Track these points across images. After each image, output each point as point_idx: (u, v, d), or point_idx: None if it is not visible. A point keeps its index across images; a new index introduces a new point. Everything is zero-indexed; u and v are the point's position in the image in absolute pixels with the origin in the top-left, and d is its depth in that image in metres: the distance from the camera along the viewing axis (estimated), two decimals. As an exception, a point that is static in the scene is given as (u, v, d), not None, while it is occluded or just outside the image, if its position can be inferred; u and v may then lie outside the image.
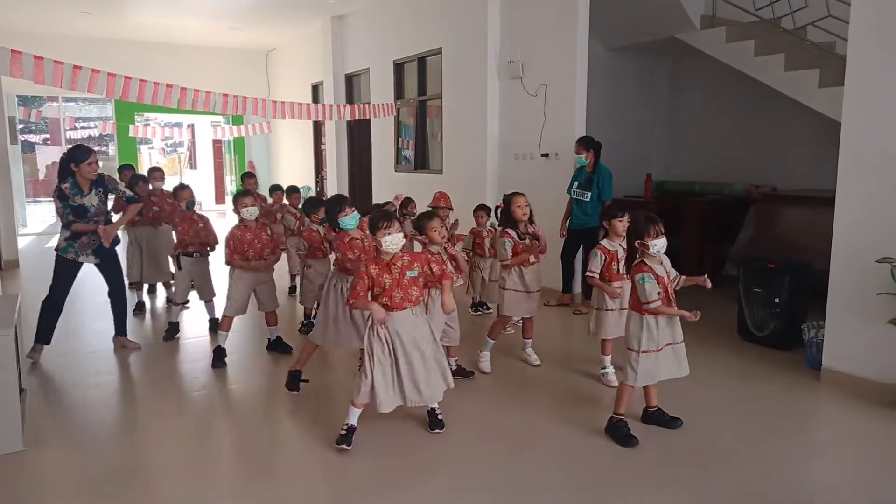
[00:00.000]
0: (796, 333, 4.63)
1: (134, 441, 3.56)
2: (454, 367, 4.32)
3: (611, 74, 7.84)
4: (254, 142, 14.53)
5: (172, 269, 6.00)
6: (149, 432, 3.66)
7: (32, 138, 17.20)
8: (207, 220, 5.40)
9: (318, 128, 12.26)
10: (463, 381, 4.29)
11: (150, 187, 6.29)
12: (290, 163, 13.70)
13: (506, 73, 7.14)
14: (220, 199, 17.25)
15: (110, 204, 5.05)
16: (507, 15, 7.12)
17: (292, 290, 6.81)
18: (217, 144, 17.33)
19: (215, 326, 5.15)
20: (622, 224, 4.06)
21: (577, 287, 6.38)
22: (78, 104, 16.49)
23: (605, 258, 4.09)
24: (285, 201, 6.82)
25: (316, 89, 12.05)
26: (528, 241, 4.36)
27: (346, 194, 11.03)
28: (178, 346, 5.24)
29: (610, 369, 4.25)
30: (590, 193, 5.87)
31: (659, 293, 3.28)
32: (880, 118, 3.81)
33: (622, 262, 4.09)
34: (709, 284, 3.38)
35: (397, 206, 5.53)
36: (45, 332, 4.72)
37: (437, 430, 3.51)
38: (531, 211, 4.46)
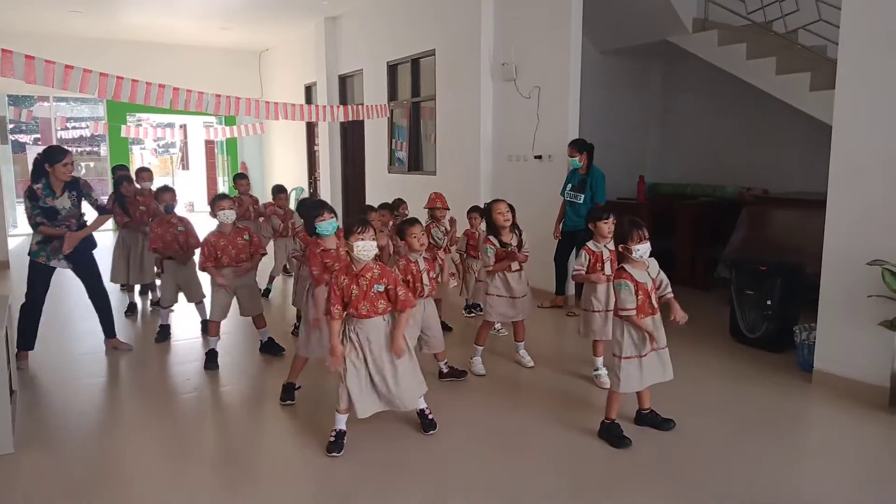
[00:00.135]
0: (788, 335, 4.65)
1: (124, 444, 3.53)
2: (445, 370, 4.31)
3: (604, 77, 7.87)
4: (246, 143, 14.48)
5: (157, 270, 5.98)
6: (139, 435, 3.63)
7: (23, 138, 17.07)
8: (188, 223, 5.35)
9: (311, 129, 12.23)
10: (457, 383, 4.29)
11: (139, 187, 6.25)
12: (283, 164, 13.67)
13: (499, 75, 7.15)
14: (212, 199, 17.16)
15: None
16: (501, 17, 7.13)
17: (266, 293, 6.75)
18: (209, 145, 17.26)
19: (207, 328, 5.12)
20: (607, 226, 4.10)
21: (571, 289, 6.39)
22: (69, 104, 16.39)
23: (590, 259, 4.12)
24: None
25: (309, 90, 12.03)
26: (509, 248, 4.33)
27: (340, 195, 11.03)
28: (169, 347, 5.21)
29: (602, 371, 4.25)
30: (583, 195, 5.88)
31: (640, 300, 3.26)
32: (871, 121, 3.84)
33: (608, 264, 4.10)
34: (682, 321, 3.35)
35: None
36: (27, 338, 4.63)
37: (430, 432, 3.51)
38: (514, 216, 4.45)
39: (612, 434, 3.38)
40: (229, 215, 4.60)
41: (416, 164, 9.07)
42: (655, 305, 3.35)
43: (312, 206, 3.98)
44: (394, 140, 9.56)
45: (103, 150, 16.05)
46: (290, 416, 3.84)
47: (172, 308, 5.52)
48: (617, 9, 7.07)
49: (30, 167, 4.67)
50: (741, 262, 5.26)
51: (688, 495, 2.90)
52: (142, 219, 6.08)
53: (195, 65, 12.99)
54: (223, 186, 15.68)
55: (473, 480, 3.07)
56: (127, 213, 6.07)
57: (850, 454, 3.35)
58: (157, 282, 6.08)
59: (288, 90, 12.67)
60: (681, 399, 3.92)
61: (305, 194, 12.06)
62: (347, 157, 11.00)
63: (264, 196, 8.25)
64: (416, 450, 3.37)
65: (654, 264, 3.41)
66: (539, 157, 6.75)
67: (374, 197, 9.35)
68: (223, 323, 4.86)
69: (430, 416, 3.55)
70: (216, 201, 4.65)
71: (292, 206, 7.69)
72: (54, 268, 4.65)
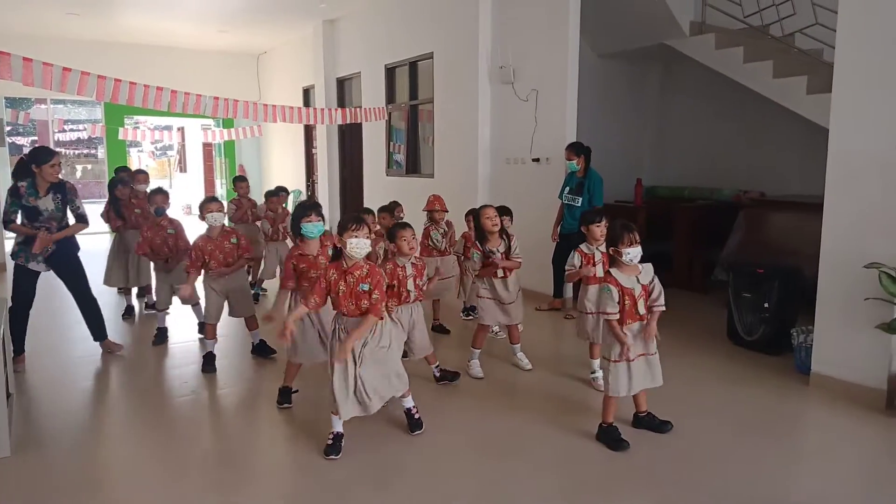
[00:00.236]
0: (785, 338, 4.66)
1: (121, 447, 3.53)
2: (437, 374, 4.28)
3: (602, 80, 7.89)
4: (244, 145, 14.47)
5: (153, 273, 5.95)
6: (137, 438, 3.63)
7: (20, 140, 17.04)
8: (179, 226, 5.33)
9: (308, 131, 12.24)
10: (455, 385, 4.28)
11: (133, 189, 6.23)
12: (280, 167, 13.66)
13: (497, 78, 7.16)
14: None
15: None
16: (499, 20, 7.14)
17: (255, 296, 6.68)
18: (207, 148, 17.25)
19: (204, 330, 5.11)
20: (599, 229, 4.13)
21: (569, 291, 6.40)
22: (67, 106, 16.38)
23: (583, 261, 4.15)
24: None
25: (307, 93, 12.03)
26: (491, 255, 4.32)
27: (338, 198, 11.03)
28: (166, 350, 5.20)
29: (599, 373, 4.25)
30: (581, 199, 5.89)
31: (627, 305, 3.25)
32: (867, 124, 3.85)
33: (599, 266, 4.11)
34: (647, 338, 3.33)
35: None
36: (15, 341, 4.53)
37: (416, 432, 3.51)
38: (510, 221, 4.44)
39: (609, 437, 3.38)
40: (218, 218, 4.58)
41: (413, 166, 9.08)
42: (643, 312, 3.32)
43: (302, 207, 3.97)
44: (392, 143, 9.57)
45: (101, 152, 16.04)
46: (288, 420, 3.83)
47: (169, 311, 5.52)
48: (614, 12, 7.09)
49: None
50: (738, 265, 5.27)
51: (686, 498, 2.90)
52: (137, 222, 6.05)
53: (193, 67, 12.99)
54: (221, 189, 15.66)
55: (471, 483, 3.07)
56: (121, 216, 6.07)
57: (847, 456, 3.35)
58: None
59: (286, 93, 12.68)
60: (678, 401, 3.93)
61: (303, 197, 12.05)
62: (345, 160, 11.00)
63: (262, 199, 8.23)
64: (414, 452, 3.36)
65: (648, 271, 3.37)
66: (537, 160, 6.76)
67: (371, 200, 9.36)
68: (222, 326, 4.86)
69: (417, 416, 3.56)
70: (205, 204, 4.64)
71: (291, 207, 7.68)
72: (47, 271, 4.61)
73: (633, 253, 3.25)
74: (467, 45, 7.40)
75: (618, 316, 3.26)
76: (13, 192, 4.45)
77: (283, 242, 6.48)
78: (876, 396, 3.86)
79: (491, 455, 3.34)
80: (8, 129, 13.53)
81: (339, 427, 3.33)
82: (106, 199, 6.40)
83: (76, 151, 19.14)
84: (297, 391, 4.02)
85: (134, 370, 4.79)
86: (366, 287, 3.21)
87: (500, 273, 4.34)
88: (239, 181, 7.22)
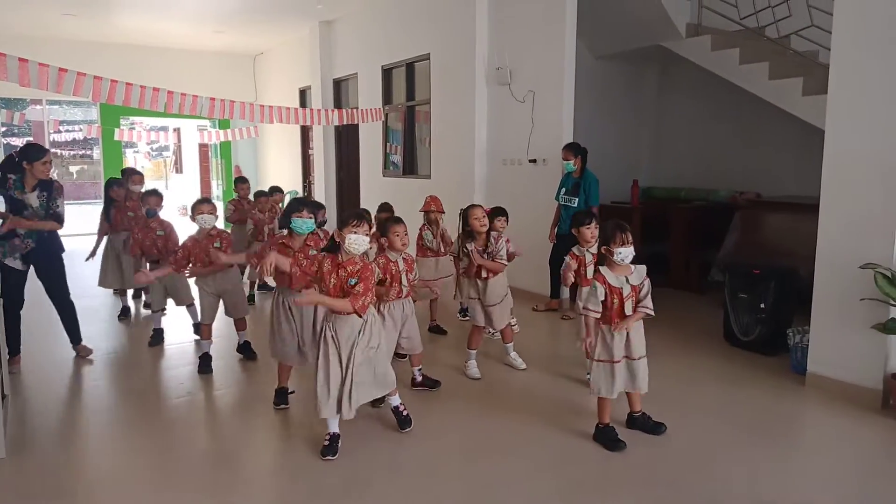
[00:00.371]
0: (781, 338, 4.67)
1: (117, 448, 3.51)
2: (419, 379, 4.23)
3: (598, 81, 7.90)
4: (241, 146, 14.45)
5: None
6: (132, 440, 3.61)
7: (15, 141, 16.99)
8: (170, 227, 5.31)
9: (305, 132, 12.23)
10: (453, 386, 4.27)
11: (128, 190, 6.21)
12: (277, 167, 13.65)
13: (494, 79, 7.17)
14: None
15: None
16: (495, 21, 7.15)
17: (251, 298, 6.67)
18: (203, 148, 17.23)
19: (199, 331, 5.10)
20: (590, 231, 4.15)
21: (566, 292, 6.40)
22: (62, 107, 16.33)
23: (576, 263, 4.17)
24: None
25: (303, 94, 12.02)
26: (464, 257, 4.33)
27: (335, 199, 11.02)
28: (163, 351, 5.19)
29: (596, 374, 4.26)
30: (577, 199, 5.90)
31: (615, 304, 3.25)
32: (863, 126, 3.87)
33: (590, 268, 4.11)
34: (616, 329, 3.28)
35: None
36: (10, 343, 4.48)
37: (406, 429, 3.51)
38: (496, 223, 4.45)
39: (606, 437, 3.38)
40: (208, 220, 4.54)
41: (410, 167, 9.08)
42: (629, 313, 3.29)
43: (297, 201, 3.96)
44: (388, 144, 9.56)
45: (96, 153, 16.00)
46: (284, 420, 3.82)
47: (165, 311, 5.50)
48: (611, 14, 7.10)
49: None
50: (735, 266, 5.28)
51: (682, 498, 2.90)
52: (128, 224, 5.99)
53: (189, 68, 12.97)
54: (217, 190, 15.62)
55: (466, 484, 3.07)
56: (108, 218, 6.05)
57: (843, 456, 3.36)
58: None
59: (282, 94, 12.66)
60: (675, 402, 3.94)
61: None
62: (342, 161, 10.99)
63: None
64: (410, 453, 3.36)
65: (640, 272, 3.34)
66: (534, 160, 6.76)
67: (368, 201, 9.36)
68: (218, 328, 4.84)
69: (406, 413, 3.56)
70: (196, 205, 4.62)
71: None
72: (26, 270, 4.54)
73: (624, 253, 3.24)
74: (464, 47, 7.40)
75: (598, 314, 3.26)
76: (0, 182, 4.40)
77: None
78: (872, 396, 3.87)
79: (487, 456, 3.34)
80: (3, 129, 13.50)
81: (334, 427, 3.32)
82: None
83: (72, 152, 19.09)
84: (293, 392, 4.01)
85: (130, 371, 4.78)
86: (354, 282, 3.19)
87: (483, 273, 4.34)
88: (240, 182, 7.20)
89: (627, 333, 3.32)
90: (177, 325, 5.81)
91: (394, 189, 8.90)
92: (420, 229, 5.54)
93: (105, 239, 6.21)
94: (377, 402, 3.71)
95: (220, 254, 4.23)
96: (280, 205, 6.83)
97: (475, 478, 3.12)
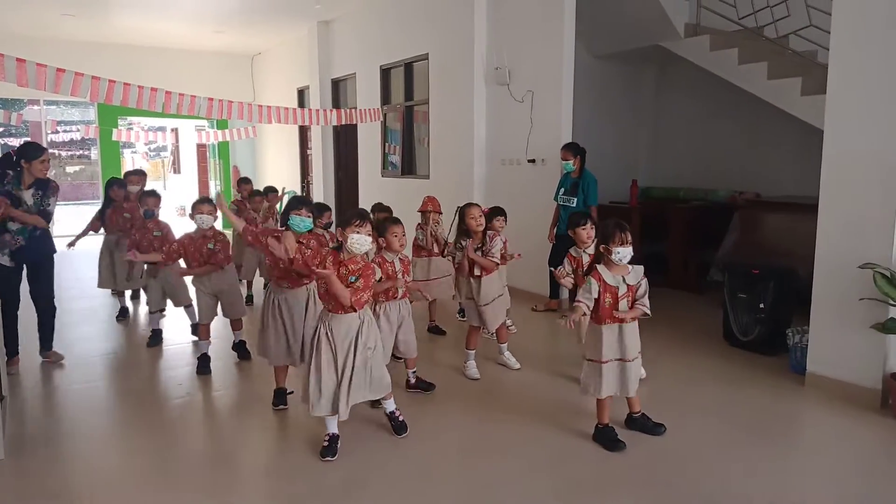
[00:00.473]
0: (781, 338, 4.67)
1: (115, 449, 3.51)
2: (413, 381, 4.22)
3: (597, 81, 7.90)
4: (239, 146, 14.43)
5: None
6: (130, 441, 3.61)
7: (13, 141, 16.96)
8: (167, 228, 5.30)
9: (303, 132, 12.21)
10: (449, 387, 4.27)
11: (127, 191, 6.19)
12: (275, 168, 13.63)
13: (492, 79, 7.16)
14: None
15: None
16: (494, 21, 7.15)
17: (249, 299, 6.61)
18: (201, 149, 17.20)
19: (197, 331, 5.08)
20: (585, 232, 4.15)
21: (565, 293, 6.40)
22: (60, 107, 16.29)
23: (573, 266, 4.16)
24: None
25: (302, 94, 12.01)
26: (454, 254, 4.32)
27: (333, 199, 11.01)
28: (161, 352, 5.18)
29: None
30: (576, 199, 5.90)
31: (608, 303, 3.25)
32: (862, 125, 3.87)
33: (585, 267, 4.11)
34: (620, 315, 3.28)
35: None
36: (7, 344, 4.42)
37: (403, 435, 3.50)
38: (494, 223, 4.45)
39: (606, 438, 3.38)
40: (206, 220, 4.53)
41: (409, 167, 9.07)
42: (624, 309, 3.27)
43: (298, 199, 3.94)
44: (387, 144, 9.56)
45: (94, 153, 15.97)
46: (283, 421, 3.82)
47: (164, 312, 5.48)
48: (610, 13, 7.10)
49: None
50: (734, 266, 5.28)
51: (681, 498, 2.90)
52: (124, 225, 5.98)
53: (187, 68, 12.95)
54: (215, 190, 15.60)
55: (464, 484, 3.06)
56: (102, 218, 6.03)
57: (843, 456, 3.36)
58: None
59: (281, 94, 12.65)
60: (674, 402, 3.94)
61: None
62: (340, 161, 10.99)
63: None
64: (408, 454, 3.36)
65: (638, 272, 3.34)
66: (532, 160, 6.76)
67: (367, 201, 9.34)
68: (217, 329, 4.84)
69: (401, 419, 3.55)
70: (196, 204, 4.61)
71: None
72: (20, 269, 4.51)
73: (623, 253, 3.23)
74: (462, 47, 7.40)
75: (588, 306, 3.22)
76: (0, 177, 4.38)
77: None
78: (871, 396, 3.88)
79: (486, 456, 3.34)
80: (0, 130, 13.47)
81: (333, 428, 3.32)
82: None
83: (69, 152, 19.05)
84: (291, 392, 4.00)
85: (128, 372, 4.77)
86: (355, 280, 3.19)
87: (476, 271, 4.34)
88: (243, 183, 7.16)
89: (621, 334, 3.31)
90: (176, 325, 5.80)
91: (392, 189, 8.89)
92: (416, 228, 5.54)
93: (102, 239, 6.20)
94: (376, 403, 3.69)
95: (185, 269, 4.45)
96: (279, 205, 6.80)
97: (474, 478, 3.12)
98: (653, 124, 8.62)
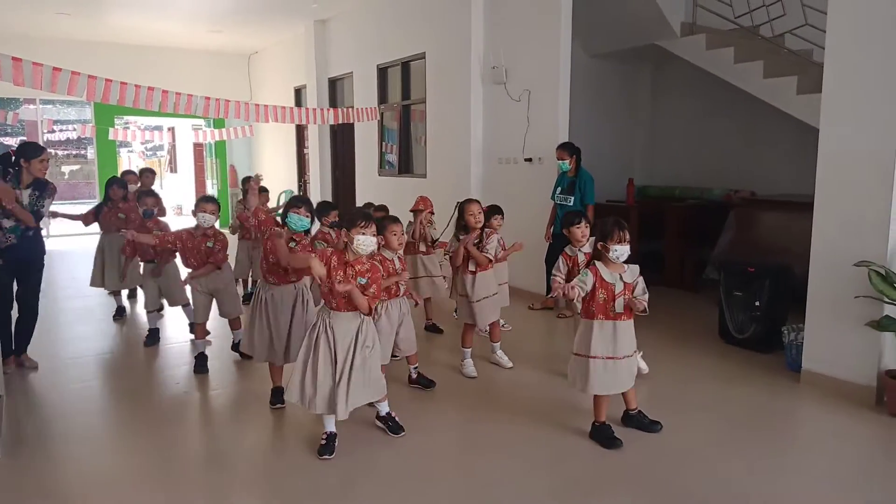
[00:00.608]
0: (776, 336, 4.69)
1: (113, 449, 3.51)
2: (414, 376, 4.24)
3: (593, 80, 7.91)
4: (235, 145, 14.42)
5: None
6: (128, 440, 3.61)
7: (8, 140, 16.91)
8: (166, 228, 5.29)
9: (300, 132, 12.21)
10: (445, 386, 4.28)
11: (126, 191, 6.18)
12: (272, 167, 13.62)
13: (489, 79, 7.17)
14: (199, 203, 17.04)
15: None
16: (491, 21, 7.15)
17: (247, 297, 6.53)
18: (198, 148, 17.16)
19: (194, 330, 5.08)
20: (580, 230, 4.18)
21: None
22: (56, 107, 16.25)
23: (569, 265, 4.17)
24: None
25: (299, 93, 12.01)
26: (445, 249, 4.36)
27: (330, 199, 11.01)
28: (158, 351, 5.18)
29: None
30: (573, 198, 5.91)
31: (601, 299, 3.26)
32: (857, 124, 3.88)
33: (581, 267, 4.12)
34: (635, 303, 3.29)
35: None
36: (2, 344, 4.37)
37: (401, 434, 3.50)
38: (493, 221, 4.46)
39: (602, 435, 3.39)
40: (208, 220, 4.52)
41: (406, 167, 9.08)
42: (619, 311, 3.29)
43: (298, 198, 3.94)
44: (384, 143, 9.56)
45: (90, 152, 15.93)
46: (280, 420, 3.82)
47: (162, 312, 5.48)
48: (606, 13, 7.11)
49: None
50: (729, 264, 5.30)
51: (678, 495, 2.91)
52: (118, 224, 5.93)
53: (184, 67, 12.94)
54: (212, 189, 15.59)
55: (461, 483, 3.07)
56: (97, 216, 6.01)
57: (838, 453, 3.38)
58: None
59: (277, 93, 12.65)
60: (670, 400, 3.95)
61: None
62: (337, 160, 10.98)
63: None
64: (406, 452, 3.36)
65: (634, 271, 3.36)
66: (529, 159, 6.77)
67: (364, 200, 9.33)
68: (214, 328, 4.83)
69: (396, 418, 3.56)
70: (200, 202, 4.60)
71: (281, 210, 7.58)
72: (11, 268, 4.47)
73: (620, 250, 3.25)
74: (460, 46, 7.40)
75: (577, 294, 3.23)
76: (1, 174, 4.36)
77: (253, 242, 6.25)
78: (866, 393, 3.90)
79: (483, 454, 3.35)
80: (-4, 129, 13.43)
81: (331, 427, 3.32)
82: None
83: (65, 152, 19.00)
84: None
85: (125, 371, 4.77)
86: (363, 281, 3.20)
87: (470, 267, 4.36)
88: (247, 182, 7.12)
89: (615, 331, 3.31)
90: (172, 324, 5.80)
91: (389, 188, 8.90)
92: (408, 226, 5.54)
93: (98, 238, 6.20)
94: (373, 402, 3.70)
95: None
96: (277, 205, 6.78)
97: (471, 476, 3.13)
98: (649, 123, 8.63)
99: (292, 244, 3.81)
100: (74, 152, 19.09)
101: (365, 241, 3.17)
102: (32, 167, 4.42)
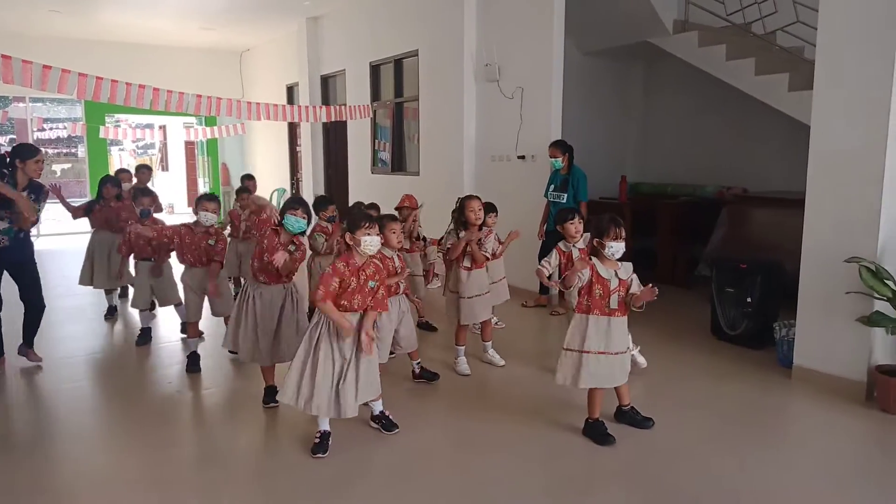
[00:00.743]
0: (768, 332, 4.72)
1: (105, 449, 3.49)
2: (418, 371, 4.27)
3: (586, 77, 7.92)
4: (227, 143, 14.36)
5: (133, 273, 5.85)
6: (120, 440, 3.59)
7: (-2, 139, 16.79)
8: (163, 225, 5.28)
9: (293, 129, 12.18)
10: (440, 384, 4.28)
11: (120, 191, 6.14)
12: (264, 165, 13.58)
13: (482, 76, 7.17)
14: (192, 201, 16.98)
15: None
16: (484, 18, 7.15)
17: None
18: (190, 146, 17.12)
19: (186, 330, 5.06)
20: (573, 226, 4.20)
21: (554, 288, 6.42)
22: (46, 105, 16.15)
23: (562, 260, 4.18)
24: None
25: (291, 90, 11.97)
26: (438, 248, 4.37)
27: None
28: (150, 351, 5.15)
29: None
30: (566, 195, 5.93)
31: (597, 294, 3.28)
32: (848, 121, 3.90)
33: (575, 262, 4.13)
34: (654, 295, 3.28)
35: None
36: None
37: (394, 431, 3.50)
38: (493, 216, 4.47)
39: (596, 432, 3.40)
40: (210, 218, 4.50)
41: (399, 164, 9.07)
42: (614, 307, 3.31)
43: (295, 200, 3.91)
44: (377, 141, 9.55)
45: (81, 151, 15.84)
46: (274, 419, 3.81)
47: (155, 311, 5.44)
48: (599, 10, 7.12)
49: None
50: (721, 261, 5.32)
51: (671, 491, 2.92)
52: (111, 223, 5.91)
53: (176, 65, 12.87)
54: (204, 188, 15.53)
55: (456, 481, 3.07)
56: (87, 213, 5.97)
57: (830, 448, 3.40)
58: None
59: (269, 91, 12.60)
60: (662, 396, 3.97)
61: (288, 195, 11.99)
62: (330, 158, 10.96)
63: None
64: (400, 450, 3.36)
65: (627, 268, 3.38)
66: (522, 157, 6.78)
67: (357, 198, 9.30)
68: (206, 327, 4.81)
69: (390, 416, 3.56)
70: (202, 200, 4.56)
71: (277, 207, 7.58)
72: (4, 269, 4.46)
73: (615, 247, 3.27)
74: (453, 43, 7.39)
75: (571, 285, 3.29)
76: None
77: (244, 241, 6.26)
78: (856, 388, 3.92)
79: (477, 452, 3.35)
80: (-14, 127, 13.32)
81: (325, 425, 3.32)
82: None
83: (56, 150, 18.89)
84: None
85: (117, 371, 4.74)
86: (373, 284, 3.24)
87: (465, 263, 4.36)
88: (247, 180, 7.10)
89: (609, 327, 3.32)
90: (164, 324, 5.77)
91: (382, 186, 8.89)
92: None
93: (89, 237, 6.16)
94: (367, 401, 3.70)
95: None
96: (275, 206, 6.75)
97: (466, 474, 3.13)
98: (641, 120, 8.65)
99: (291, 247, 3.79)
100: (65, 151, 18.99)
101: (372, 242, 3.21)
102: (27, 168, 4.39)
